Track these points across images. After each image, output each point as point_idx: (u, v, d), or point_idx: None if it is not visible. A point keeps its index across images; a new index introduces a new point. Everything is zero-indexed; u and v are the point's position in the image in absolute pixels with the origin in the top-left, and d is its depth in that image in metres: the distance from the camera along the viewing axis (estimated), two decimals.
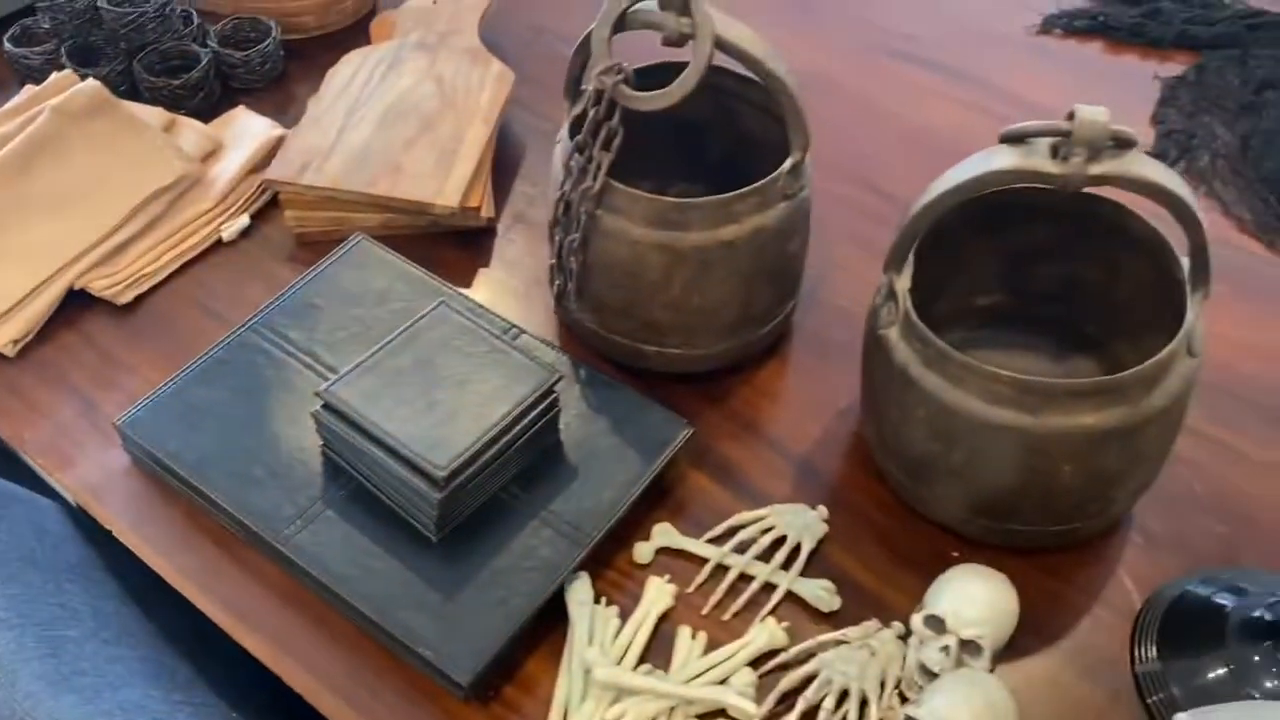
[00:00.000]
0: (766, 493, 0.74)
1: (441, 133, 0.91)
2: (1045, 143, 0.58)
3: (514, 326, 0.79)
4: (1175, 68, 1.08)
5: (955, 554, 0.70)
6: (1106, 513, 0.67)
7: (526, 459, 0.70)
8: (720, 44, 0.67)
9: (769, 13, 1.13)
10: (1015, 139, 0.59)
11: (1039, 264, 0.76)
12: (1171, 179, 0.58)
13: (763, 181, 0.70)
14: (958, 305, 0.79)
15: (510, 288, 0.87)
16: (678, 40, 0.67)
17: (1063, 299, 0.77)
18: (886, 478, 0.73)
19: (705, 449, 0.76)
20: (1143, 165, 0.57)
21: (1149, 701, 0.64)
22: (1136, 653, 0.66)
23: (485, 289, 0.87)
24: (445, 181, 0.87)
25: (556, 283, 0.76)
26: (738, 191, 0.69)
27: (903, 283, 0.66)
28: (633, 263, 0.71)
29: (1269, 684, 0.61)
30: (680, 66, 0.68)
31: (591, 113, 0.69)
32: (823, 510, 0.72)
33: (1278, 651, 0.62)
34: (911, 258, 0.66)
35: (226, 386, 0.75)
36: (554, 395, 0.69)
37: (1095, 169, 0.56)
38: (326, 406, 0.68)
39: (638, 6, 0.68)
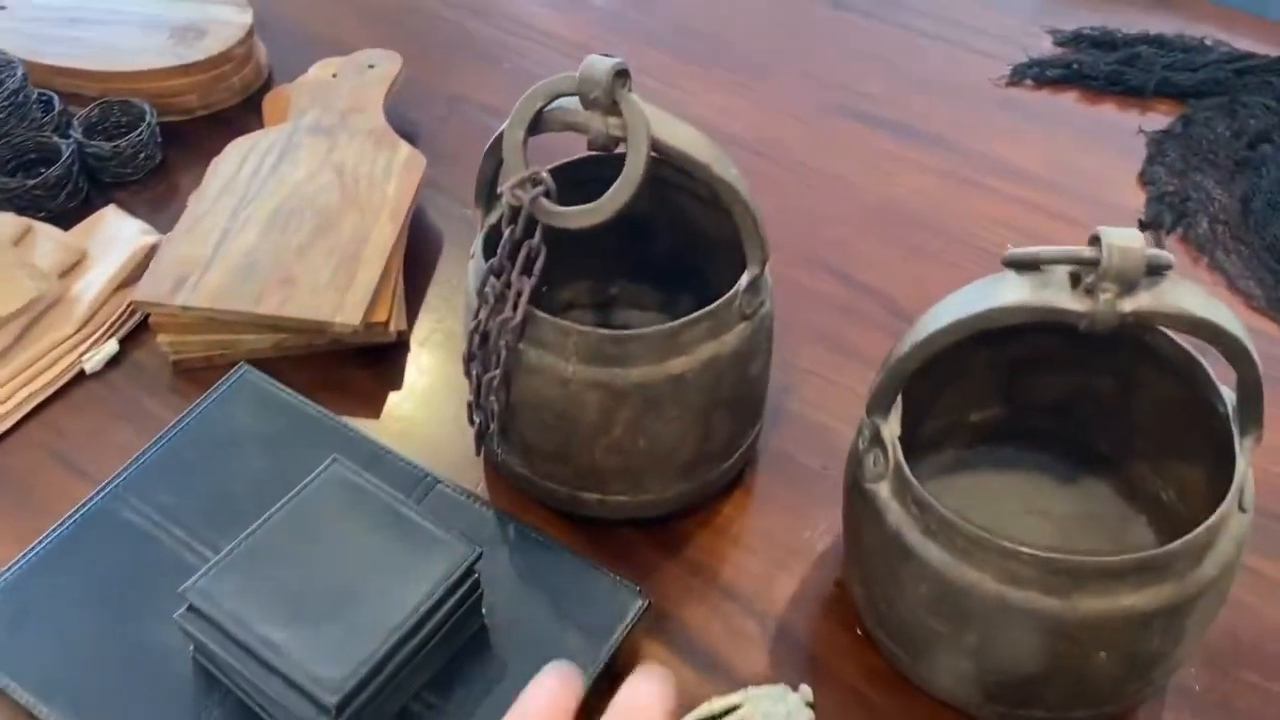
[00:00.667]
0: (737, 667, 0.62)
1: (341, 234, 0.78)
2: (1062, 271, 0.47)
3: (428, 475, 0.66)
4: (1159, 118, 0.98)
5: None
6: (1144, 693, 0.56)
7: (443, 658, 0.57)
8: (658, 149, 0.55)
9: (709, 74, 1.03)
10: (1025, 265, 0.48)
11: (1042, 373, 0.66)
12: (1220, 313, 0.47)
13: (716, 304, 0.58)
14: (949, 422, 0.68)
15: (426, 417, 0.74)
16: (606, 144, 0.56)
17: (1068, 412, 0.66)
18: (878, 645, 0.61)
19: (662, 614, 0.64)
20: (1184, 296, 0.46)
21: None
22: None
23: (396, 420, 0.74)
24: (346, 294, 0.74)
25: (476, 422, 0.64)
26: (687, 318, 0.58)
27: (891, 429, 0.54)
28: (565, 403, 0.59)
29: None
30: (616, 161, 0.57)
31: (507, 231, 0.57)
32: (806, 692, 0.60)
33: None
34: (899, 399, 0.54)
35: (80, 574, 0.61)
36: (474, 576, 0.57)
37: (1129, 305, 0.45)
38: (192, 609, 0.55)
39: (556, 105, 0.56)
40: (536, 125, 0.56)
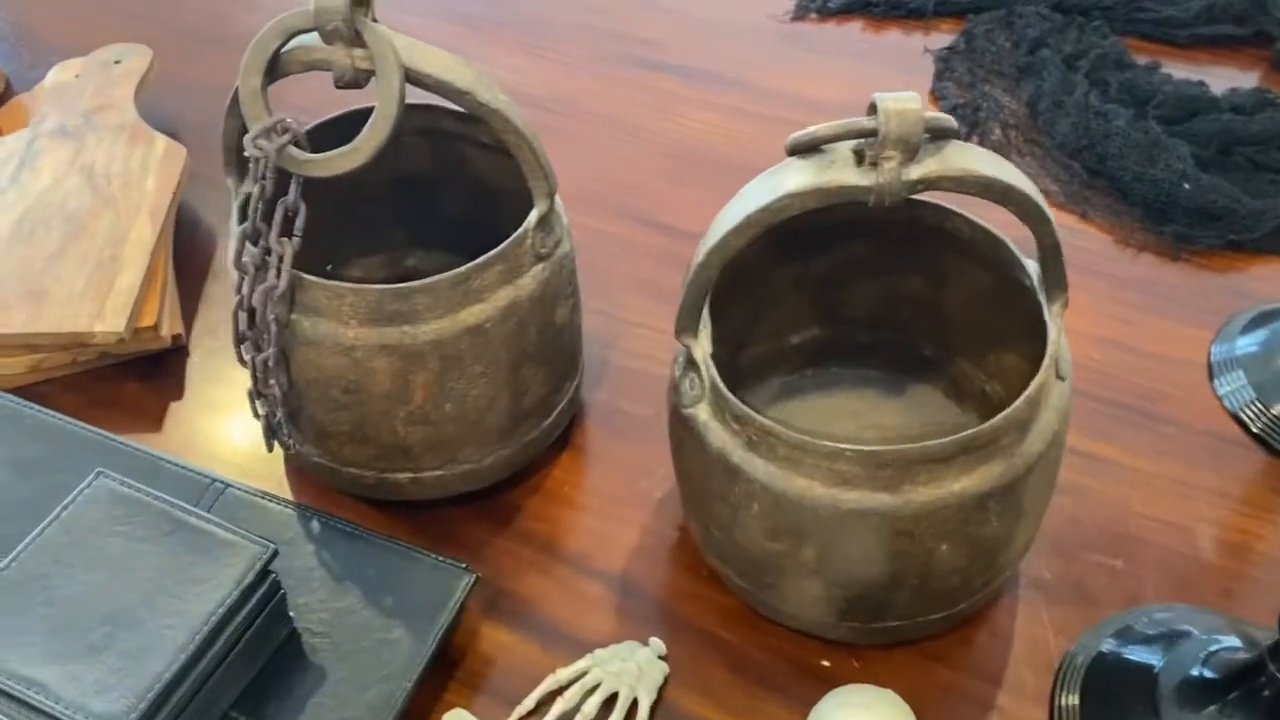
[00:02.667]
0: (584, 633, 0.58)
1: (95, 238, 0.71)
2: (845, 148, 0.45)
3: (215, 480, 0.59)
4: (944, 38, 0.99)
5: (826, 663, 0.56)
6: (992, 583, 0.54)
7: (249, 671, 0.51)
8: (413, 78, 0.50)
9: (497, 37, 0.98)
10: (806, 149, 0.45)
11: (854, 285, 0.64)
12: (1007, 170, 0.45)
13: (505, 244, 0.54)
14: (769, 349, 0.65)
15: (213, 422, 0.67)
16: (355, 79, 0.51)
17: (886, 321, 0.65)
18: (726, 582, 0.58)
19: (497, 592, 0.59)
20: (970, 158, 0.45)
21: None
22: None
23: (179, 431, 0.67)
24: (106, 301, 0.67)
25: (261, 414, 0.57)
26: (475, 262, 0.53)
27: (702, 347, 0.51)
28: (353, 373, 0.54)
29: None
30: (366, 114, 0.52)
31: (257, 189, 0.51)
32: (657, 645, 0.56)
33: (1223, 714, 0.50)
34: (707, 314, 0.51)
35: None
36: (271, 576, 0.51)
37: (914, 172, 0.43)
38: None
39: (293, 44, 0.50)
40: (274, 70, 0.51)
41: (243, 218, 0.54)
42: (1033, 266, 0.53)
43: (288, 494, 0.62)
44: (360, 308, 0.52)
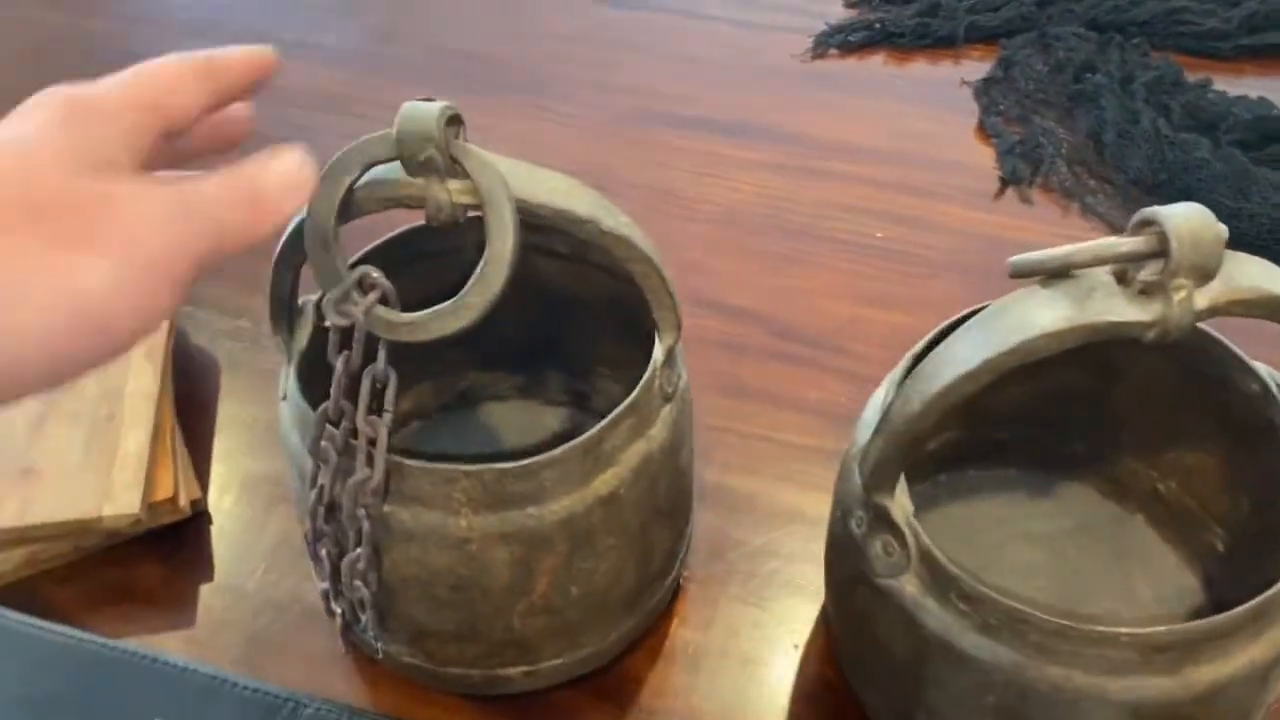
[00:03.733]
0: None
1: (85, 393, 0.59)
2: (1101, 274, 0.36)
3: (288, 699, 0.49)
4: (975, 66, 0.92)
5: None
6: None
7: None
8: (524, 210, 0.40)
9: (502, 101, 0.88)
10: (1051, 274, 0.37)
11: (1006, 382, 0.55)
12: None
13: (636, 392, 0.44)
14: None
15: (258, 608, 0.56)
16: (453, 217, 0.40)
17: (1032, 416, 0.57)
18: None
19: None
20: (1252, 273, 0.36)
21: None
22: None
23: (218, 623, 0.55)
24: (110, 474, 0.56)
25: (338, 613, 0.47)
26: (609, 420, 0.43)
27: (902, 507, 0.42)
28: (464, 568, 0.43)
29: None
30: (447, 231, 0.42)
31: (340, 361, 0.41)
32: None
33: None
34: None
35: None
36: None
37: (1202, 301, 0.35)
38: None
39: (370, 178, 0.40)
40: (347, 210, 0.40)
41: (309, 391, 0.43)
42: (1265, 370, 0.45)
43: (367, 701, 0.52)
44: (475, 492, 0.42)
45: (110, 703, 0.48)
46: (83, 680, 0.49)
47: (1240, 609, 0.38)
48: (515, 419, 0.62)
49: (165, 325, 0.63)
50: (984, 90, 0.88)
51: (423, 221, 0.49)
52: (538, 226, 0.44)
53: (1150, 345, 0.36)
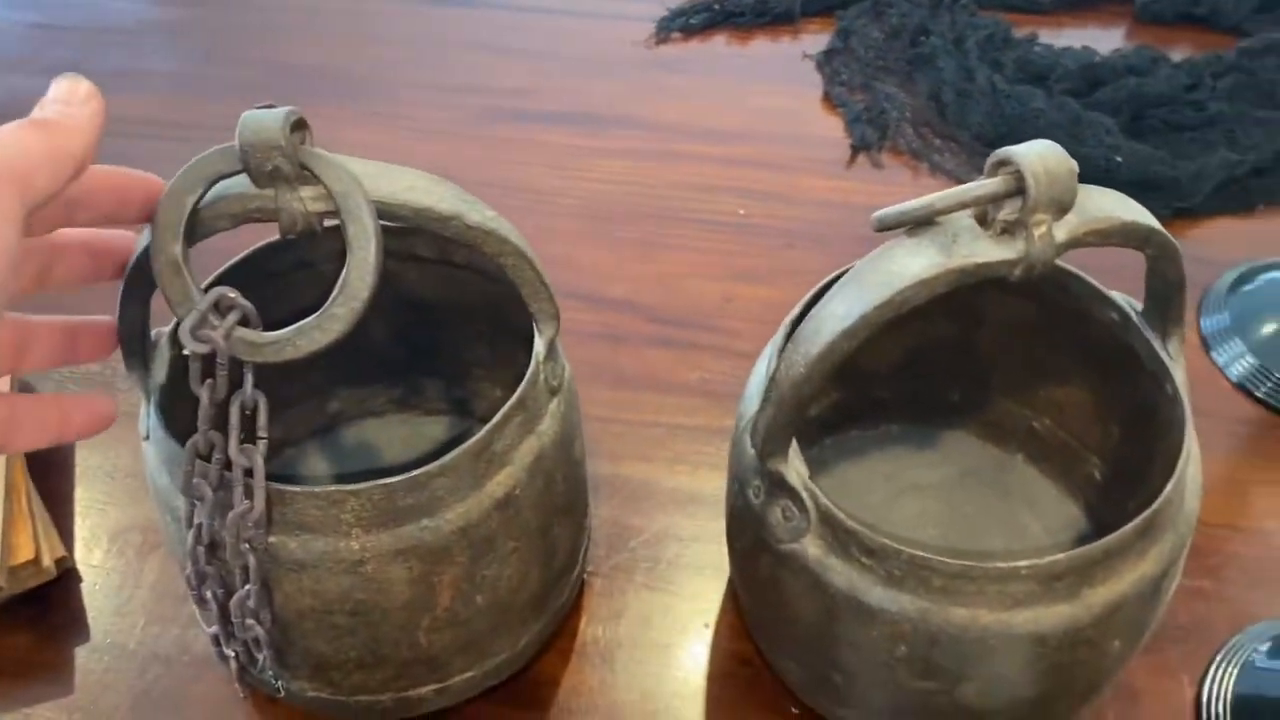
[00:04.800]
0: None
1: None
2: (964, 217, 0.37)
3: None
4: (815, 39, 0.94)
5: None
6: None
7: None
8: (384, 212, 0.39)
9: (340, 111, 0.85)
10: (918, 223, 0.37)
11: (877, 340, 0.56)
12: (1138, 209, 0.39)
13: (522, 388, 0.43)
14: None
15: (145, 661, 0.53)
16: (309, 227, 0.39)
17: (906, 371, 0.58)
18: (830, 717, 0.49)
19: None
20: (1104, 203, 0.38)
21: None
22: None
23: (100, 685, 0.52)
24: None
25: (232, 656, 0.44)
26: (497, 419, 0.42)
27: (797, 471, 0.42)
28: (361, 592, 0.42)
29: None
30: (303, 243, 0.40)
31: (204, 392, 0.38)
32: None
33: None
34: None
35: None
36: None
37: (1062, 233, 0.36)
38: None
39: (215, 194, 0.38)
40: (194, 231, 0.38)
41: (173, 426, 0.41)
42: (1121, 298, 0.47)
43: None
44: (365, 511, 0.40)
45: None
46: None
47: (1127, 528, 0.39)
48: (395, 433, 0.60)
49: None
50: (826, 62, 0.90)
51: (270, 240, 0.47)
52: (397, 231, 0.42)
53: (1017, 282, 0.37)
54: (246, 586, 0.41)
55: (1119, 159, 0.77)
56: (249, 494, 0.39)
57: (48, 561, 0.54)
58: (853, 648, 0.43)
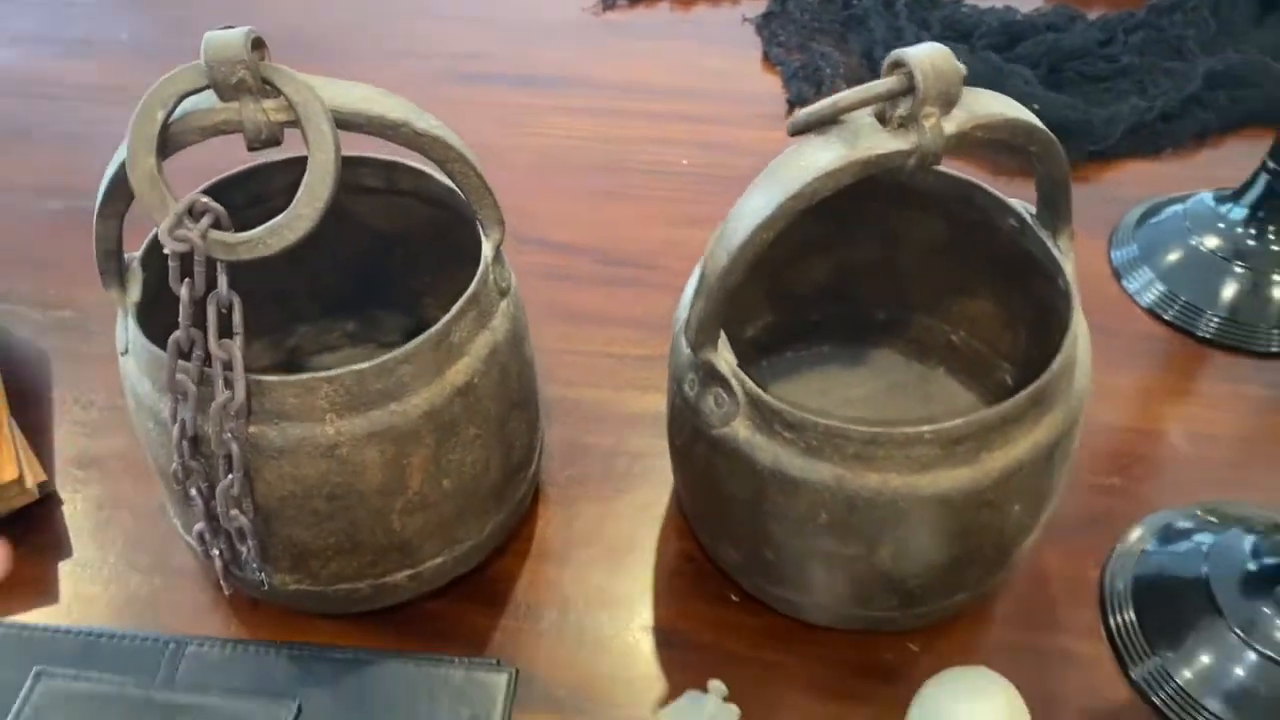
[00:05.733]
0: (635, 698, 0.52)
1: None
2: (864, 115, 0.41)
3: (169, 642, 0.50)
4: (754, 5, 0.98)
5: (889, 656, 0.53)
6: (1035, 535, 0.53)
7: None
8: (340, 120, 0.43)
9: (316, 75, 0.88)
10: (822, 123, 0.42)
11: (804, 264, 0.61)
12: (1021, 108, 0.44)
13: (473, 287, 0.47)
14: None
15: (123, 573, 0.56)
16: (272, 136, 0.43)
17: (836, 293, 0.63)
18: (766, 598, 0.54)
19: (525, 680, 0.52)
20: (989, 102, 0.43)
21: (1157, 701, 0.51)
22: (1128, 663, 0.53)
23: (84, 596, 0.55)
24: None
25: (216, 554, 0.48)
26: (453, 313, 0.46)
27: (726, 359, 0.47)
28: (338, 475, 0.45)
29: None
30: (272, 169, 0.44)
31: (184, 289, 0.42)
32: (718, 687, 0.52)
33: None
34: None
35: None
36: None
37: (950, 126, 0.41)
38: None
39: (186, 108, 0.42)
40: (165, 146, 0.42)
41: (152, 332, 0.44)
42: (1018, 205, 0.52)
43: (247, 634, 0.53)
44: (338, 396, 0.44)
45: None
46: None
47: (1019, 396, 0.44)
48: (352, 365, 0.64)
49: None
50: (765, 24, 0.95)
51: (223, 175, 0.51)
52: (346, 161, 0.45)
53: (926, 190, 0.41)
54: (230, 476, 0.44)
55: (1036, 106, 0.81)
56: (229, 385, 0.43)
57: (30, 483, 0.57)
58: (781, 521, 0.47)
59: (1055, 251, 0.49)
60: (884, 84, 0.40)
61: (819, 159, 0.41)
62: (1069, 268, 0.49)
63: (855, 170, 0.41)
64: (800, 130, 0.42)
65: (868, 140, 0.41)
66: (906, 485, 0.44)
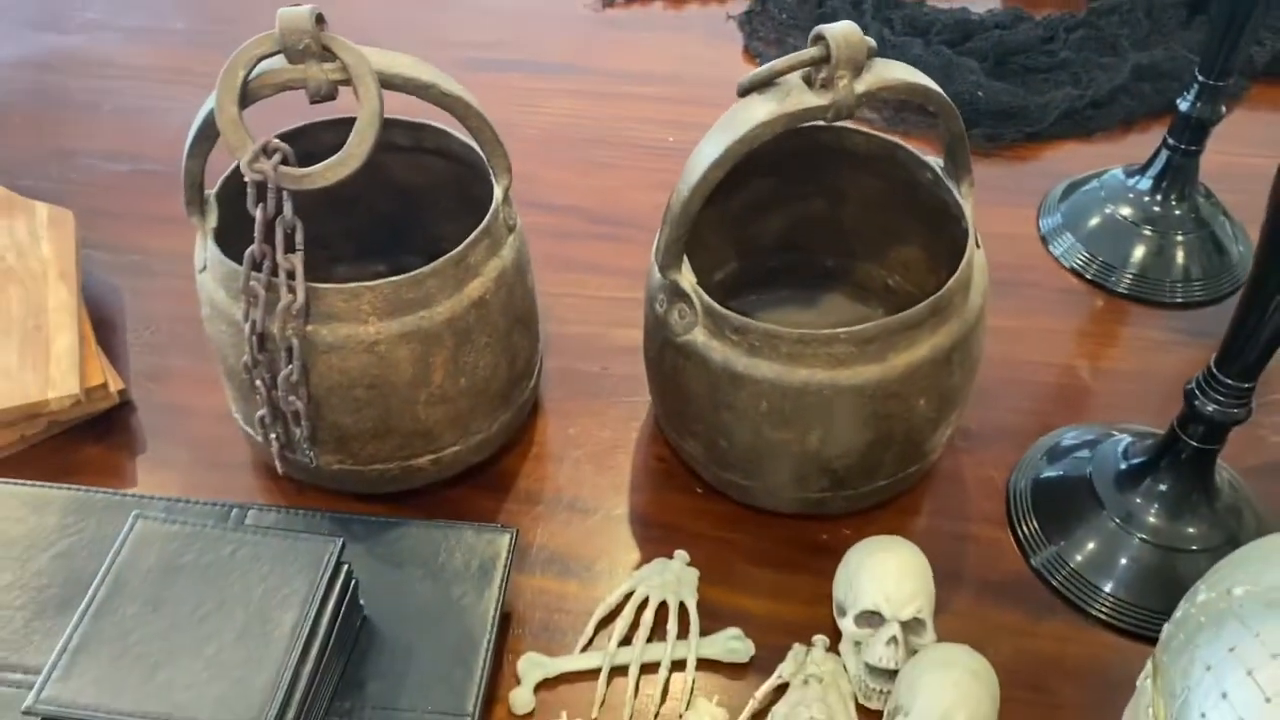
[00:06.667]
0: (613, 565, 0.63)
1: (11, 312, 0.69)
2: (795, 78, 0.53)
3: (234, 507, 0.61)
4: (738, 4, 1.10)
5: (824, 536, 0.65)
6: (945, 434, 0.64)
7: (342, 660, 0.54)
8: (384, 81, 0.54)
9: None
10: (762, 84, 0.53)
11: (764, 218, 0.72)
12: (921, 75, 0.55)
13: (486, 220, 0.59)
14: None
15: (192, 460, 0.68)
16: (330, 92, 0.54)
17: (792, 244, 0.74)
18: (723, 487, 0.65)
19: (523, 549, 0.64)
20: (895, 70, 0.54)
21: (1055, 584, 0.62)
22: (1027, 550, 0.64)
23: (161, 480, 0.67)
24: (48, 368, 0.66)
25: (275, 437, 0.59)
26: (468, 240, 0.57)
27: (687, 279, 0.58)
28: (376, 368, 0.57)
29: (1154, 521, 0.62)
30: (326, 125, 0.56)
31: (258, 211, 0.53)
32: (682, 555, 0.63)
33: (1154, 487, 0.62)
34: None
35: None
36: (345, 565, 0.54)
37: (860, 87, 0.52)
38: None
39: (262, 69, 0.53)
40: (244, 98, 0.53)
41: (225, 247, 0.56)
42: (932, 160, 0.63)
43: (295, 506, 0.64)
44: (378, 302, 0.55)
45: (90, 526, 0.59)
46: (55, 516, 0.60)
47: (920, 305, 0.55)
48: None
49: (74, 254, 0.73)
50: (746, 21, 1.06)
51: (280, 130, 0.62)
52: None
53: (831, 122, 0.52)
54: (290, 366, 0.56)
55: (981, 94, 0.93)
56: (292, 290, 0.54)
57: (113, 388, 0.68)
58: (731, 410, 0.58)
59: (959, 197, 0.60)
60: (808, 53, 0.51)
61: (757, 112, 0.52)
62: (969, 209, 0.60)
63: (785, 121, 0.52)
64: (746, 90, 0.54)
65: (795, 97, 0.52)
66: (829, 378, 0.55)
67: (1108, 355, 0.77)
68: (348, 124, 0.63)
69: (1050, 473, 0.67)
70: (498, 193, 0.60)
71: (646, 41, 1.05)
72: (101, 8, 1.07)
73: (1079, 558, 0.63)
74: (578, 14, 1.08)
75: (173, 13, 1.07)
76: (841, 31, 0.50)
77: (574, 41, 1.05)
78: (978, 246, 0.60)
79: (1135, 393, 0.73)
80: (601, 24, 1.07)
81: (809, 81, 0.52)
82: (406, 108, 0.61)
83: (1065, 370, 0.75)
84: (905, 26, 1.02)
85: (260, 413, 0.58)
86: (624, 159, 0.92)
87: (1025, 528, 0.65)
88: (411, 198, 0.71)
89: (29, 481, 0.62)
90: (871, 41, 0.52)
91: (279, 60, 0.53)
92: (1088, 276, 0.82)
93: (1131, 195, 0.83)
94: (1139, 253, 0.82)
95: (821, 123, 0.53)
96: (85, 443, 0.68)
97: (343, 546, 0.53)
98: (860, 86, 0.52)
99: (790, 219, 0.72)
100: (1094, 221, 0.84)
